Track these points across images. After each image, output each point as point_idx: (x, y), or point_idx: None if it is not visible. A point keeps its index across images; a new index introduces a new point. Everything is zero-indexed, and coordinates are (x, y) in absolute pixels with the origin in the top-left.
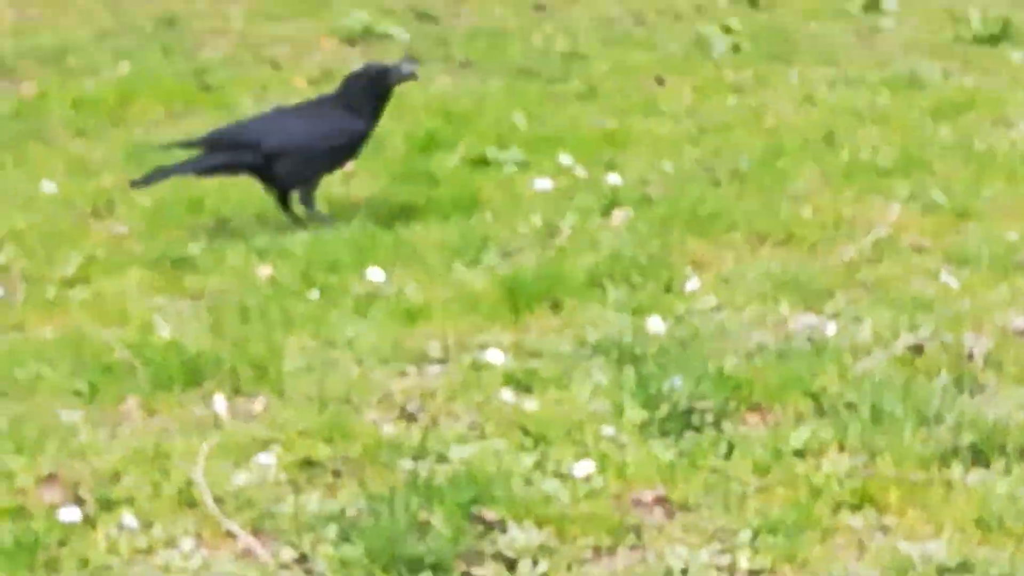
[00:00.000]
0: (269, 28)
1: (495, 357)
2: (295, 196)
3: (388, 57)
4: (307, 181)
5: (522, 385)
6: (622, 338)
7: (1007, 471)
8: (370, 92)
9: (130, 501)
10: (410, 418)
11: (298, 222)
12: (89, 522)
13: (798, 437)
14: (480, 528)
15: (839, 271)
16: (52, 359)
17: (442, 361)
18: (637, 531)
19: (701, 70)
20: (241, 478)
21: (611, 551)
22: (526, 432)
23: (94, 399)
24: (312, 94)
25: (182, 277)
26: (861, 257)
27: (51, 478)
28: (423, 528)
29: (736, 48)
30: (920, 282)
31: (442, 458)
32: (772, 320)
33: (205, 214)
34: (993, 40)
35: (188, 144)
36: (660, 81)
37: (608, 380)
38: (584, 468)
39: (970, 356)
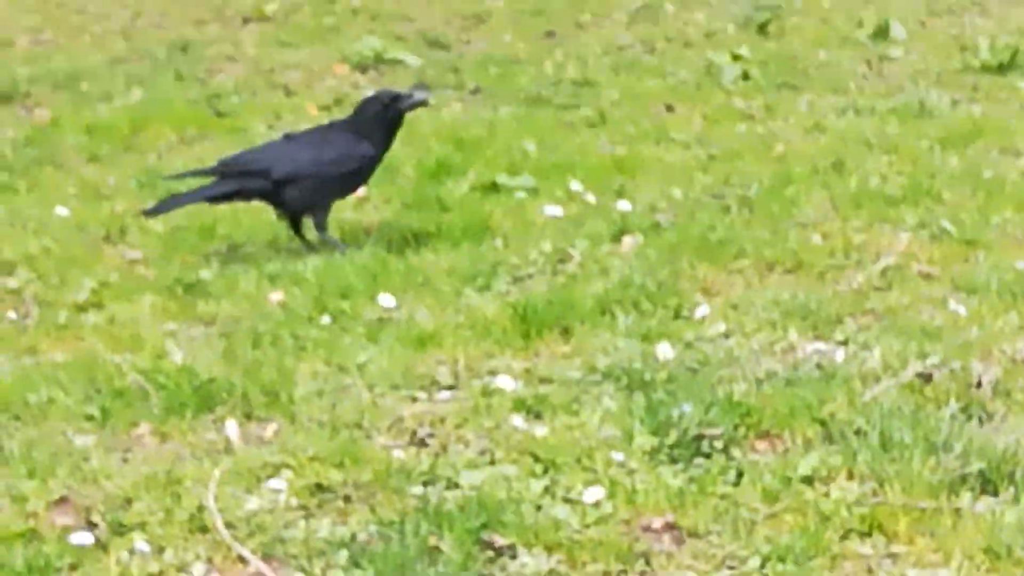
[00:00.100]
0: (281, 55)
1: (505, 383)
2: (307, 221)
3: (399, 84)
4: (318, 207)
5: (532, 411)
6: (631, 364)
7: (1016, 499)
8: (382, 118)
9: (142, 526)
10: (421, 444)
11: (310, 247)
12: (101, 546)
13: (807, 464)
14: (490, 554)
15: (848, 298)
16: (64, 383)
17: (452, 387)
18: (646, 557)
19: (711, 98)
20: (252, 503)
21: None
22: (536, 458)
23: (106, 424)
24: (323, 120)
25: (194, 303)
26: (870, 285)
27: (63, 502)
28: (433, 554)
29: (746, 76)
30: (929, 310)
31: (452, 484)
32: (781, 347)
33: (217, 240)
34: (1001, 69)
35: (198, 173)
36: (670, 108)
37: (618, 406)
38: (594, 494)
39: (979, 384)
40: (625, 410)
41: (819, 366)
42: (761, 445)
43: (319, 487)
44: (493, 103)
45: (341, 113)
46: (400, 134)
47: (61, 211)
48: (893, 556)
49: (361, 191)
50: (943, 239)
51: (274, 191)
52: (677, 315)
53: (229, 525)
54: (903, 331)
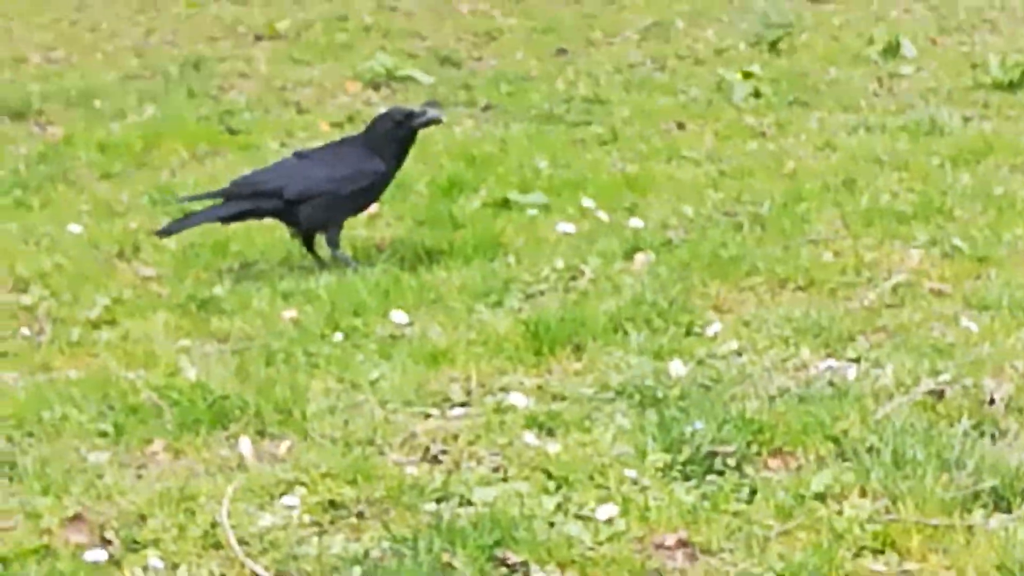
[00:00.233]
0: (294, 72)
1: (518, 400)
2: (320, 239)
3: (411, 101)
4: (331, 224)
5: (545, 428)
6: (644, 382)
7: None
8: (394, 135)
9: (156, 542)
10: (433, 460)
11: (323, 265)
12: (115, 563)
13: (820, 481)
14: (503, 570)
15: (860, 316)
16: (78, 400)
17: (465, 404)
18: (659, 574)
19: (722, 115)
20: (266, 520)
21: None
22: (549, 475)
23: (120, 440)
24: (335, 138)
25: (208, 320)
26: (881, 302)
27: (77, 519)
28: (446, 570)
29: (757, 93)
30: (940, 327)
31: (465, 500)
32: (793, 364)
33: (230, 257)
34: (1012, 86)
35: (211, 195)
36: (681, 126)
37: (630, 423)
38: (607, 511)
39: (991, 401)
40: (638, 427)
41: (831, 383)
42: (774, 462)
43: (332, 504)
44: (505, 120)
45: (353, 130)
46: (412, 151)
47: (74, 228)
48: (906, 573)
49: (373, 208)
50: (954, 256)
51: (287, 210)
52: (689, 332)
53: (242, 542)
54: (915, 348)
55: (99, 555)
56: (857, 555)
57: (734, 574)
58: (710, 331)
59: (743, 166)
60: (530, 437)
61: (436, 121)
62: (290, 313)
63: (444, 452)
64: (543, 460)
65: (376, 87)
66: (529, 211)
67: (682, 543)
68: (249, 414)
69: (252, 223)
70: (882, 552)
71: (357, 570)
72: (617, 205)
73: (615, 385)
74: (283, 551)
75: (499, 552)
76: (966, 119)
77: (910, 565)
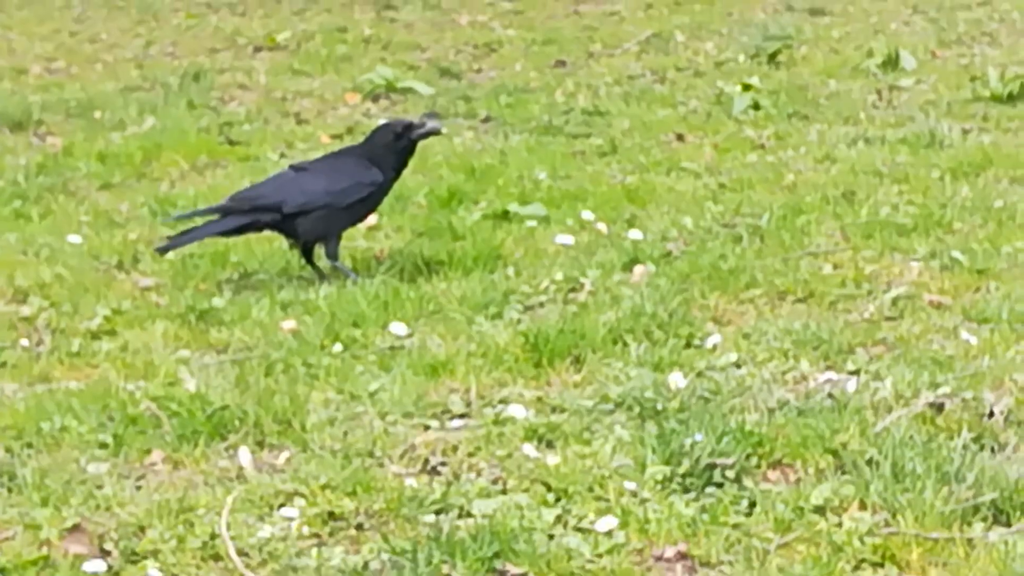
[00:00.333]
0: (294, 83)
1: (517, 412)
2: (319, 249)
3: (411, 113)
4: (330, 236)
5: (544, 440)
6: (643, 394)
7: None
8: (393, 147)
9: (155, 553)
10: (433, 472)
11: (322, 276)
12: (114, 574)
13: (819, 494)
14: None
15: (859, 328)
16: (77, 411)
17: (465, 415)
18: None
19: (721, 127)
20: (265, 531)
21: None
22: (548, 487)
23: (119, 451)
24: (334, 149)
25: (207, 330)
26: (881, 314)
27: (76, 530)
28: None
29: (756, 105)
30: (940, 340)
31: (465, 512)
32: (793, 376)
33: (230, 268)
34: (1011, 99)
35: (209, 211)
36: (680, 137)
37: (630, 435)
38: (606, 523)
39: (991, 414)
40: (637, 439)
41: (831, 396)
42: (773, 475)
43: (331, 515)
44: (504, 132)
45: (353, 142)
46: (412, 162)
47: (74, 239)
48: None
49: (372, 219)
50: (954, 269)
51: (286, 223)
52: (689, 344)
53: (241, 553)
54: (915, 361)
55: (98, 566)
56: (856, 568)
57: None
58: (709, 343)
59: (743, 178)
60: (529, 449)
61: (435, 132)
62: (289, 324)
63: (443, 464)
64: (542, 472)
65: (376, 99)
66: (528, 223)
67: (681, 556)
68: (248, 425)
69: (251, 234)
70: (881, 565)
71: None
72: (616, 217)
73: (614, 397)
74: (282, 562)
75: (498, 564)
76: (965, 132)
77: None
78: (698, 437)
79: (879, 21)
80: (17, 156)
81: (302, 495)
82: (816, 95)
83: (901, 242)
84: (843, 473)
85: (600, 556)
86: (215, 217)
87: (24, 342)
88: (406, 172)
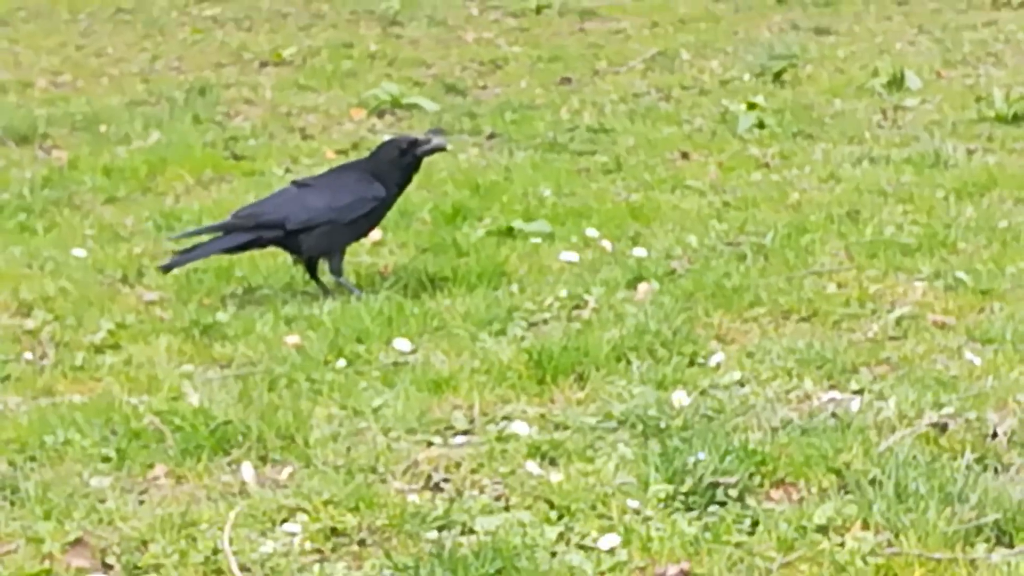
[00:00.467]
0: (299, 98)
1: (520, 428)
2: (323, 264)
3: (416, 129)
4: (334, 251)
5: (547, 457)
6: (647, 411)
7: None
8: (398, 162)
9: (157, 568)
10: (436, 488)
11: (326, 291)
12: None
13: (822, 513)
14: None
15: (863, 348)
16: (81, 425)
17: (468, 432)
18: None
19: (726, 145)
20: (267, 546)
21: None
22: (551, 504)
23: (122, 465)
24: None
25: (211, 345)
26: (885, 334)
27: (79, 543)
28: None
29: (761, 124)
30: (944, 360)
31: (467, 529)
32: (796, 396)
33: (234, 282)
34: (1016, 119)
35: (212, 229)
36: (685, 155)
37: (633, 453)
38: (609, 541)
39: (994, 435)
40: (640, 457)
41: (834, 415)
42: (776, 494)
43: (334, 531)
44: (509, 149)
45: (358, 158)
46: (417, 178)
47: (78, 252)
48: None
49: (376, 234)
50: (958, 289)
51: (290, 240)
52: (692, 362)
53: (244, 568)
54: (918, 381)
55: None
56: None
57: None
58: (713, 361)
59: (747, 197)
60: (532, 466)
61: (440, 149)
62: (293, 339)
63: (446, 480)
64: (545, 489)
65: (381, 114)
66: (533, 239)
67: (684, 574)
68: (251, 440)
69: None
70: None
71: None
72: (621, 234)
73: (618, 415)
74: None
75: None
76: (970, 152)
77: None
78: (701, 456)
79: (884, 41)
80: (22, 169)
81: (305, 510)
82: (821, 114)
83: (905, 262)
84: (846, 493)
85: (602, 574)
86: (219, 234)
87: (28, 355)
88: (410, 188)
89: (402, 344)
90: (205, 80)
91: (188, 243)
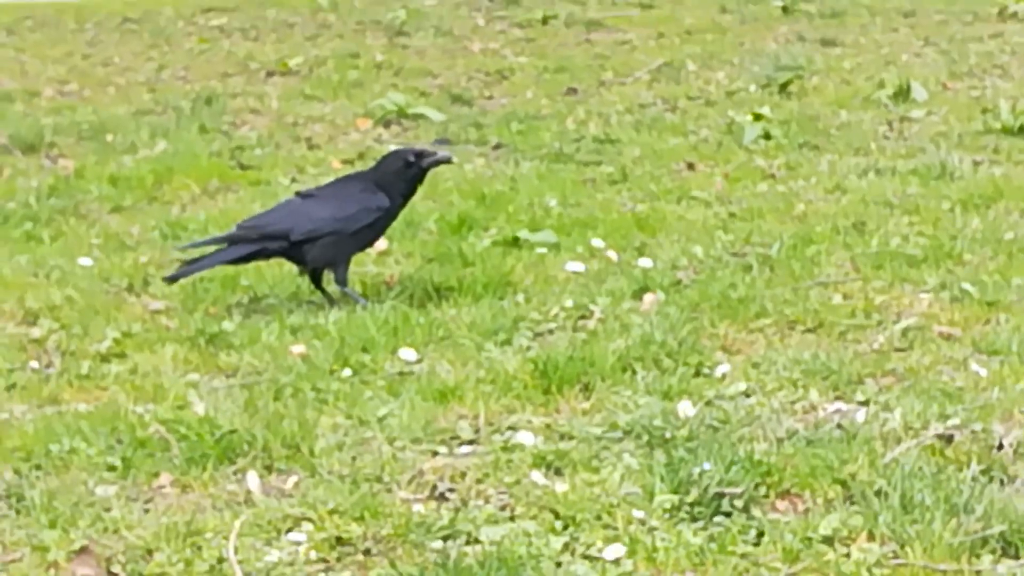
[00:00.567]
0: (305, 108)
1: (526, 438)
2: (328, 275)
3: (422, 139)
4: (339, 262)
5: (552, 467)
6: (652, 422)
7: None
8: (404, 173)
9: None
10: (441, 498)
11: (332, 301)
12: None
13: (828, 524)
14: None
15: (869, 359)
16: (87, 433)
17: (473, 442)
18: None
19: (732, 156)
20: (272, 556)
21: None
22: (556, 514)
23: (128, 474)
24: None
25: (217, 354)
26: (891, 345)
27: (84, 552)
28: None
29: (767, 135)
30: (950, 371)
31: (472, 539)
32: (802, 406)
33: (240, 292)
34: (1022, 131)
35: (217, 240)
36: (691, 166)
37: (638, 464)
38: (614, 551)
39: (1000, 446)
40: (646, 467)
41: (840, 426)
42: (782, 505)
43: (339, 540)
44: (515, 159)
45: (364, 167)
46: (422, 189)
47: (84, 261)
48: None
49: (382, 244)
50: (964, 300)
51: (294, 250)
52: (698, 373)
53: None
54: (924, 392)
55: None
56: None
57: None
58: (719, 372)
59: (753, 207)
60: (538, 476)
61: (446, 161)
62: (299, 348)
63: (451, 490)
64: (551, 499)
65: (387, 124)
66: (539, 250)
67: None
68: (257, 449)
69: None
70: None
71: None
72: (627, 245)
73: (623, 425)
74: None
75: None
76: (976, 164)
77: None
78: (707, 466)
79: (890, 52)
80: (29, 178)
81: (310, 520)
82: (827, 125)
83: (911, 273)
84: (852, 504)
85: None
86: (223, 245)
87: (34, 364)
88: (416, 198)
89: (408, 354)
90: (211, 90)
91: (193, 254)
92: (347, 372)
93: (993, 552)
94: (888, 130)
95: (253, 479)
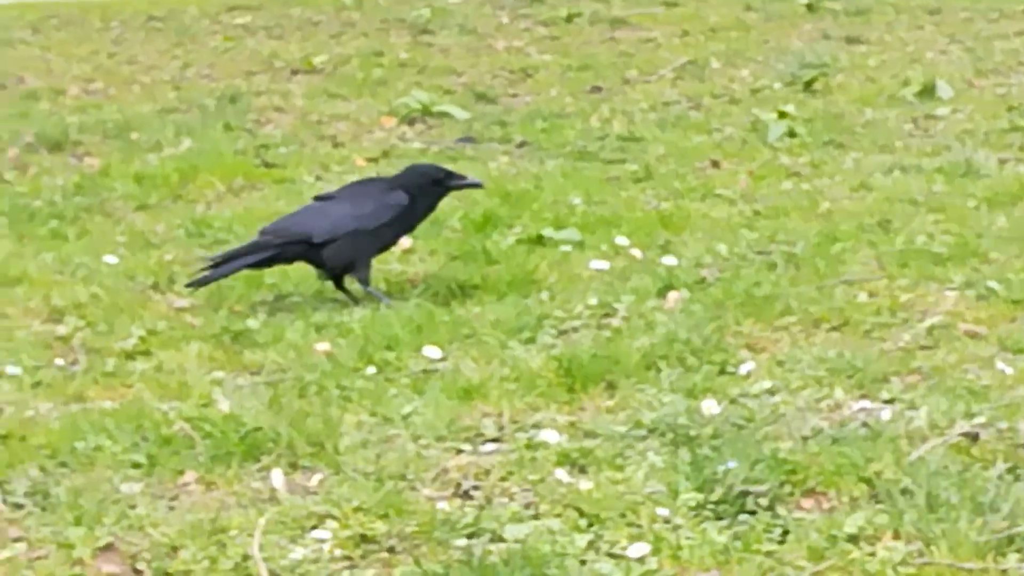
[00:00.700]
0: (330, 106)
1: (550, 436)
2: (349, 279)
3: (446, 137)
4: (359, 263)
5: (577, 465)
6: (677, 420)
7: None
8: (429, 189)
9: (187, 574)
10: (465, 496)
11: (355, 300)
12: None
13: (853, 523)
14: None
15: (894, 357)
16: (112, 431)
17: (497, 440)
18: None
19: (757, 154)
20: (297, 553)
21: None
22: (581, 512)
23: (153, 471)
24: (370, 172)
25: (241, 351)
26: (916, 343)
27: (109, 549)
28: None
29: (792, 133)
30: (975, 369)
31: (497, 537)
32: (827, 405)
33: (264, 290)
34: None
35: (239, 254)
36: (715, 164)
37: (663, 462)
38: (638, 549)
39: None
40: (670, 465)
41: (865, 424)
42: (807, 503)
43: (363, 538)
44: (540, 157)
45: (388, 165)
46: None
47: (110, 259)
48: None
49: (407, 242)
50: (990, 299)
51: (316, 252)
52: (722, 371)
53: (273, 575)
54: (950, 390)
55: None
56: None
57: None
58: (743, 370)
59: (778, 206)
60: (562, 474)
61: (475, 186)
62: (323, 346)
63: (476, 488)
64: (575, 497)
65: (411, 123)
66: (563, 248)
67: None
68: (281, 447)
69: None
70: None
71: None
72: (651, 243)
73: (648, 423)
74: None
75: None
76: (1002, 161)
77: None
78: (731, 464)
79: (916, 50)
80: (54, 176)
81: (334, 517)
82: (852, 123)
83: (937, 271)
84: (877, 502)
85: None
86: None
87: (59, 361)
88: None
89: (432, 352)
90: (236, 88)
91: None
92: (371, 370)
93: (1019, 551)
94: (913, 128)
95: (278, 477)
